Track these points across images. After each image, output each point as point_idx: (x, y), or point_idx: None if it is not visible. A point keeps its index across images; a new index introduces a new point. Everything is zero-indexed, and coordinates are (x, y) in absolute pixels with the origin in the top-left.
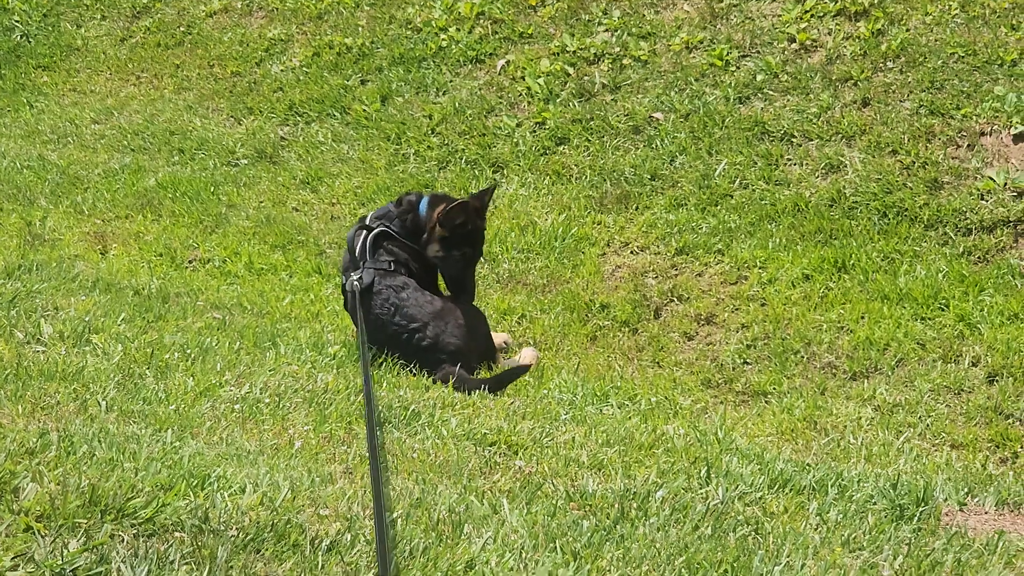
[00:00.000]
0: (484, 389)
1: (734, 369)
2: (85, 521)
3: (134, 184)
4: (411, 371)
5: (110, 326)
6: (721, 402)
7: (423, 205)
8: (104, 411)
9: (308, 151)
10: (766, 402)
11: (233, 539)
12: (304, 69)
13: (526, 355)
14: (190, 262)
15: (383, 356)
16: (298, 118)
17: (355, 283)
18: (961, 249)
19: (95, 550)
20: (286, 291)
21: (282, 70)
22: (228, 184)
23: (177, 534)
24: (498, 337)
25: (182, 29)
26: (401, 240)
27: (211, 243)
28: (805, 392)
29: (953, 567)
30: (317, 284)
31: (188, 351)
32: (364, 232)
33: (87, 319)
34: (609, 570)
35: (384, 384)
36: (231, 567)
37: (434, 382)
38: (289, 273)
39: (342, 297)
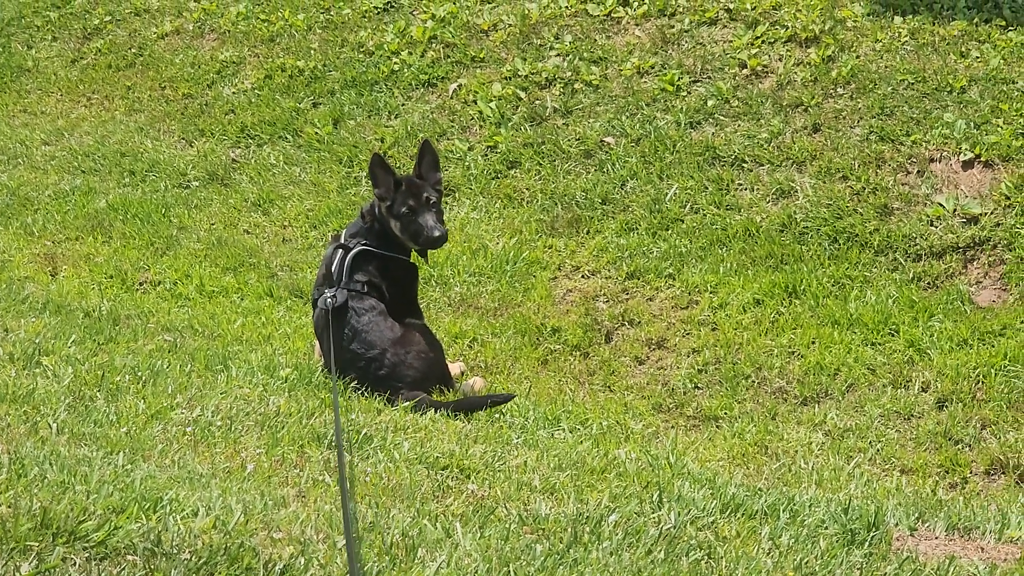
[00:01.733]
0: (451, 411)
1: (685, 393)
2: (37, 544)
3: (84, 206)
4: (363, 394)
5: (60, 348)
6: (672, 427)
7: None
8: (55, 433)
9: (260, 173)
10: (717, 427)
11: (186, 562)
12: (256, 91)
13: (475, 384)
14: (141, 284)
15: (339, 379)
16: (250, 140)
17: (328, 301)
18: (911, 275)
19: (47, 573)
20: (237, 313)
21: (234, 92)
22: (179, 206)
23: (130, 557)
24: (454, 367)
25: (133, 51)
26: (380, 253)
27: (162, 265)
28: (756, 417)
29: None
30: (268, 307)
31: (139, 373)
32: (341, 251)
33: (37, 341)
34: None
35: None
36: None
37: (395, 406)
38: (240, 295)
39: (312, 312)
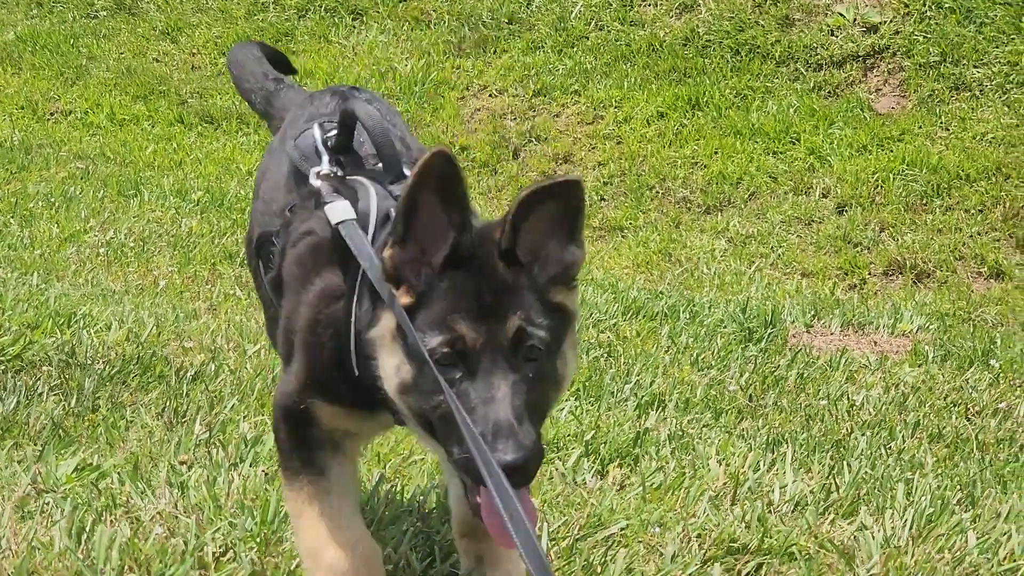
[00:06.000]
0: None
1: (591, 205)
2: None
3: None
4: None
5: None
6: None
7: None
8: None
9: (167, 1)
10: (623, 236)
11: (100, 372)
12: None
13: None
14: (52, 114)
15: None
16: None
17: None
18: (812, 84)
19: None
20: (149, 140)
21: None
22: (88, 36)
23: (45, 368)
24: None
25: None
26: None
27: (72, 95)
28: (660, 226)
29: (796, 382)
30: (180, 133)
31: (52, 200)
32: None
33: None
34: None
35: None
36: (98, 397)
37: None
38: (151, 123)
39: None
